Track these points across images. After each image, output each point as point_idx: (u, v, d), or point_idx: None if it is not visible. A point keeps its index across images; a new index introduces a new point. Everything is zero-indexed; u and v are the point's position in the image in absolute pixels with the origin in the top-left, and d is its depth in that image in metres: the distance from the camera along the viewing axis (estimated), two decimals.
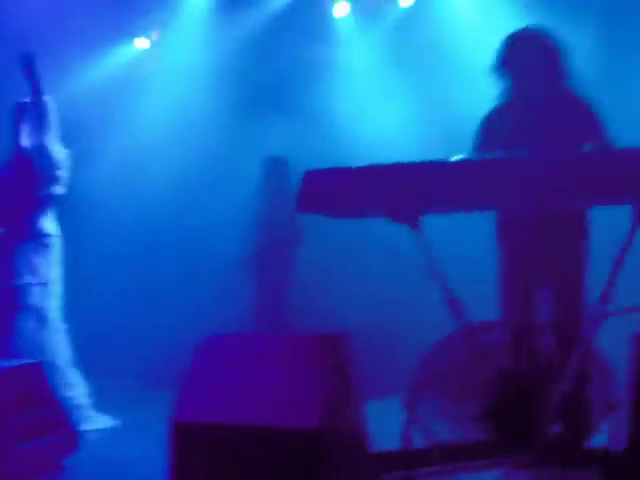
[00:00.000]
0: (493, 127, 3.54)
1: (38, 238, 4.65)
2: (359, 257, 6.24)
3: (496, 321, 2.77)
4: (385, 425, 2.95)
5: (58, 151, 4.71)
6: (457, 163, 2.67)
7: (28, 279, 4.59)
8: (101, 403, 4.85)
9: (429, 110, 6.61)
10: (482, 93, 3.71)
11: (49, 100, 4.71)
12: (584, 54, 4.17)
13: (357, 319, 5.75)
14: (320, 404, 2.36)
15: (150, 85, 7.44)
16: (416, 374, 2.54)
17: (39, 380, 3.56)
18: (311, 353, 2.34)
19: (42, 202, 4.65)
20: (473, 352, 2.51)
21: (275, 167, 6.34)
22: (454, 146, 3.70)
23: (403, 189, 2.57)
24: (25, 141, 4.67)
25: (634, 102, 5.67)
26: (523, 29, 3.57)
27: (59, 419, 3.61)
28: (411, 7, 6.95)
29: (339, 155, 6.30)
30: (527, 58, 3.46)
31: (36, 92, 4.62)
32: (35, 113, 4.67)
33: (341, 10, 7.14)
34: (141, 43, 7.60)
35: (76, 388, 4.68)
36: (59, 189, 4.71)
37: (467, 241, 5.35)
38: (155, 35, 7.63)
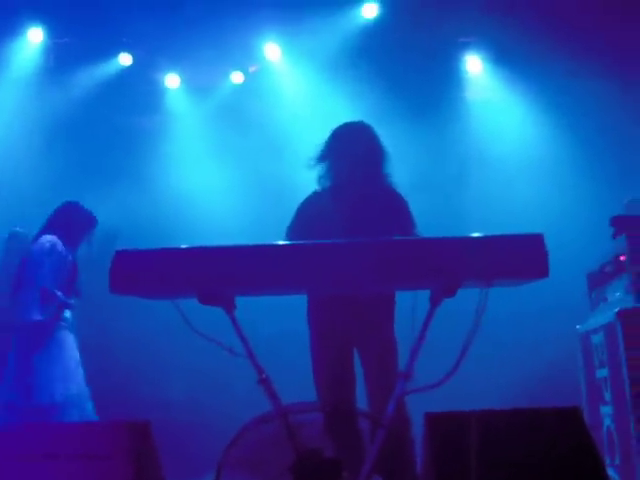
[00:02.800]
0: (309, 212, 3.67)
1: None
2: (168, 336, 6.09)
3: (304, 403, 2.83)
4: None
5: None
6: (268, 247, 2.75)
7: None
8: None
9: (257, 182, 6.79)
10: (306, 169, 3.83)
11: None
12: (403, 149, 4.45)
13: (171, 399, 5.66)
14: None
15: None
16: (223, 456, 2.54)
17: None
18: (111, 442, 2.26)
19: None
20: (279, 434, 2.55)
21: (15, 242, 5.84)
22: (281, 217, 3.82)
23: (215, 272, 2.61)
24: None
25: (441, 196, 6.15)
26: (354, 122, 3.75)
27: None
28: (242, 84, 7.17)
29: (166, 226, 6.32)
30: (346, 150, 3.62)
31: None
32: None
33: (172, 82, 7.21)
34: None
35: None
36: None
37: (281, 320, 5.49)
38: None
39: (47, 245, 4.76)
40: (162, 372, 6.11)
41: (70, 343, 4.75)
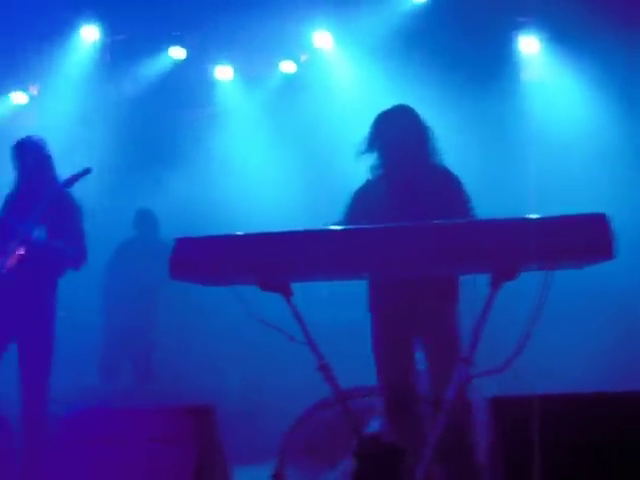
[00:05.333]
0: (364, 199, 3.65)
1: None
2: (226, 323, 6.11)
3: (366, 387, 2.81)
4: None
5: None
6: (327, 232, 2.74)
7: None
8: None
9: (311, 171, 6.80)
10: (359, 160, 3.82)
11: None
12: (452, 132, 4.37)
13: (233, 385, 5.70)
14: (188, 478, 2.30)
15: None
16: (285, 440, 2.54)
17: None
18: (175, 427, 2.29)
19: None
20: (339, 420, 2.54)
21: None
22: (334, 206, 3.81)
23: (274, 258, 2.60)
24: None
25: (498, 178, 6.04)
26: (392, 107, 3.71)
27: None
28: (294, 73, 7.18)
29: (222, 214, 6.38)
30: (395, 135, 3.59)
31: None
32: None
33: (224, 73, 7.26)
34: (18, 97, 7.41)
35: None
36: None
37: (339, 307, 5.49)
38: (34, 90, 7.46)
39: None
40: (223, 359, 6.17)
41: None
